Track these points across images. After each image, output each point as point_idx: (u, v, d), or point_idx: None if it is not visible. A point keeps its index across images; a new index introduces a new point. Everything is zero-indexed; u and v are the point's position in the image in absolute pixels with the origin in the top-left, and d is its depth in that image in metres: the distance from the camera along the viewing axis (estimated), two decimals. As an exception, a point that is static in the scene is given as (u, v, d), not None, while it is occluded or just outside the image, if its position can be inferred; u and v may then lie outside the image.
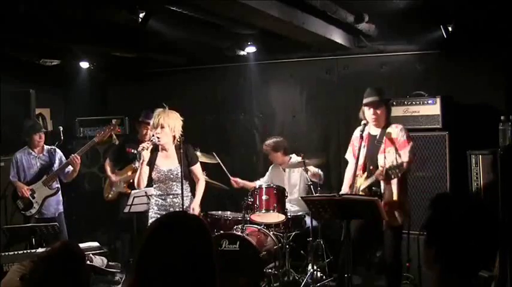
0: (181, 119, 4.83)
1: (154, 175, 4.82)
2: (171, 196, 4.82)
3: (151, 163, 4.77)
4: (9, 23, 4.81)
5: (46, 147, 5.95)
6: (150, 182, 4.92)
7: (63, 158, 5.97)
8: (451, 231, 1.73)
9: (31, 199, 5.73)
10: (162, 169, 4.80)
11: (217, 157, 6.18)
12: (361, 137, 4.65)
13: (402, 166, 4.33)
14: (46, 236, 5.41)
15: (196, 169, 4.98)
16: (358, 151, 4.62)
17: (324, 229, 5.75)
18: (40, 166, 5.87)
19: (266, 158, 6.65)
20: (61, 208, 5.98)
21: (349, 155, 5.01)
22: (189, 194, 4.94)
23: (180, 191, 4.75)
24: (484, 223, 1.76)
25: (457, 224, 1.73)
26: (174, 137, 4.79)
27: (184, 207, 4.76)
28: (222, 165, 6.15)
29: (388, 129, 4.66)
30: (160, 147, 4.84)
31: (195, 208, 4.85)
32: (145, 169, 4.74)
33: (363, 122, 4.69)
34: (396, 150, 4.56)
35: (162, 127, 4.69)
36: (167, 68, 7.61)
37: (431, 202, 1.84)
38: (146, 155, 4.66)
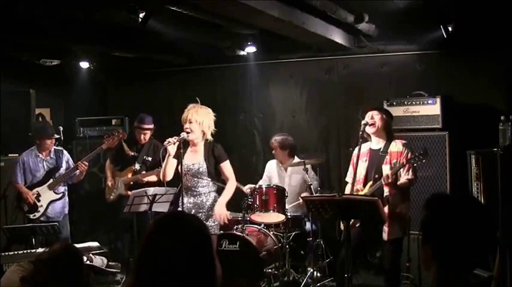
0: (214, 115, 4.79)
1: (180, 170, 4.72)
2: (198, 194, 4.74)
3: (179, 158, 4.67)
4: (9, 23, 4.82)
5: (53, 148, 5.89)
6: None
7: (71, 161, 5.96)
8: (445, 229, 1.75)
9: (36, 202, 5.69)
10: (186, 163, 4.74)
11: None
12: (361, 137, 4.63)
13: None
14: (46, 236, 5.41)
15: (225, 166, 4.84)
16: (356, 165, 4.56)
17: (324, 230, 5.75)
18: (47, 169, 5.81)
19: (266, 158, 6.65)
20: (66, 210, 5.96)
21: (349, 177, 4.86)
22: (214, 192, 4.84)
23: (206, 190, 4.75)
24: (479, 220, 1.76)
25: (451, 222, 1.74)
26: (204, 132, 4.74)
27: (208, 205, 4.72)
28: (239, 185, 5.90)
29: (393, 144, 4.62)
30: (190, 142, 4.79)
31: (220, 209, 4.71)
32: (173, 162, 4.70)
33: (363, 122, 4.67)
34: (402, 163, 4.51)
35: (190, 122, 4.66)
36: (167, 68, 7.61)
37: (427, 201, 1.86)
38: (172, 149, 4.59)
